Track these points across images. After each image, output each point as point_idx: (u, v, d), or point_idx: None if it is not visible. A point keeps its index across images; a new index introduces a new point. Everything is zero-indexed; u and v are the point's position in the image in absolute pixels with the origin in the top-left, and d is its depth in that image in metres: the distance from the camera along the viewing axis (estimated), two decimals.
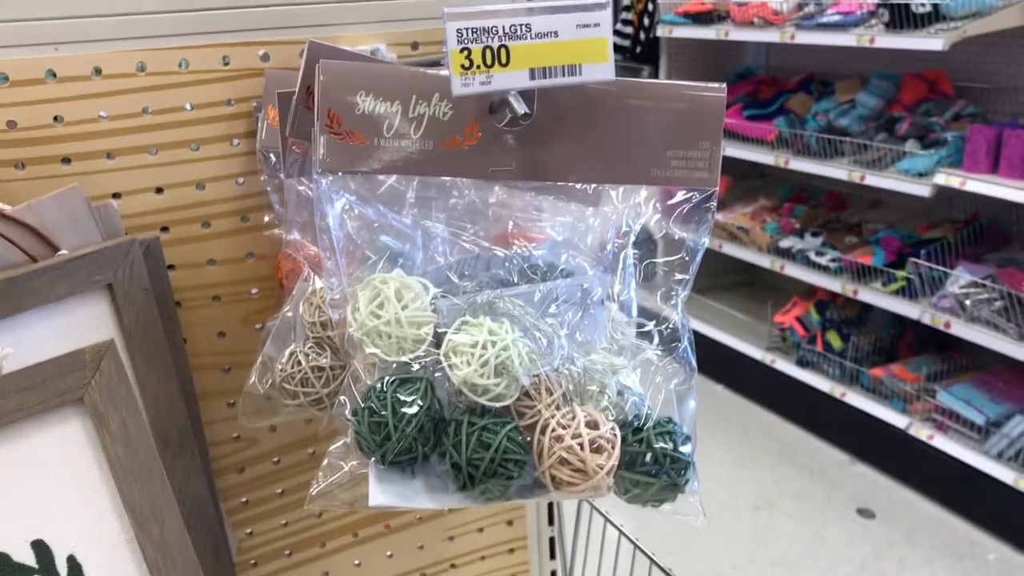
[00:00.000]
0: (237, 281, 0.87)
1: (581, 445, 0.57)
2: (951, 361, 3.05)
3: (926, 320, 2.82)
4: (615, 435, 0.58)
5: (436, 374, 0.58)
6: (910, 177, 2.85)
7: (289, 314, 0.71)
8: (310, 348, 0.69)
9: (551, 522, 1.07)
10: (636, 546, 0.95)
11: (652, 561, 0.93)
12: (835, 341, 3.23)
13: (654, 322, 0.63)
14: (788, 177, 3.72)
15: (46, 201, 0.71)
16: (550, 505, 1.07)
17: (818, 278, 3.20)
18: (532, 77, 0.57)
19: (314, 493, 0.58)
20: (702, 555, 2.72)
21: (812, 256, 3.22)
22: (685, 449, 0.60)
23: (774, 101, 3.51)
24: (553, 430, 0.57)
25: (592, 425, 0.58)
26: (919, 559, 2.70)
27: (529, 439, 0.59)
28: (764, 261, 3.42)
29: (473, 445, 0.56)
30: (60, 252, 0.71)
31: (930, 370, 2.99)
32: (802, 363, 3.33)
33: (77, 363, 0.57)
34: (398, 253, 0.62)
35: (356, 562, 0.99)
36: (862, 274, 3.05)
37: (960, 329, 2.73)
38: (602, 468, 0.57)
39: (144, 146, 0.81)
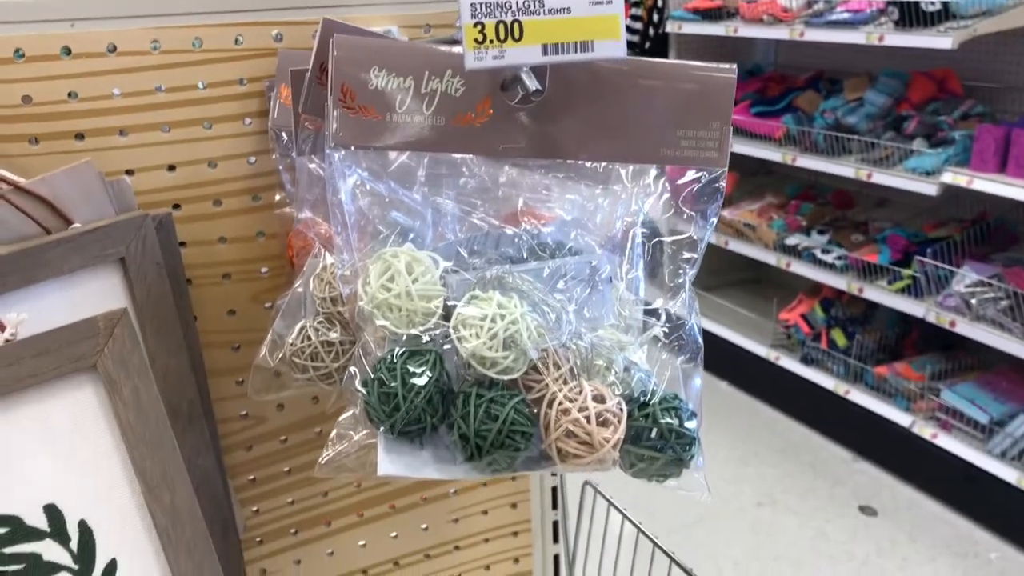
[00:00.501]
0: (247, 260, 0.87)
1: (588, 418, 0.57)
2: (956, 360, 3.05)
3: (931, 319, 2.82)
4: (621, 409, 0.59)
5: (445, 347, 0.59)
6: (917, 175, 2.85)
7: (300, 289, 0.71)
8: (320, 323, 0.69)
9: (555, 506, 1.08)
10: (639, 529, 0.95)
11: (655, 544, 0.93)
12: (840, 339, 3.23)
13: (661, 300, 0.64)
14: (795, 174, 3.72)
15: (60, 175, 0.72)
16: (554, 489, 1.07)
17: (824, 276, 3.20)
18: (545, 52, 0.58)
19: (323, 462, 0.59)
20: (704, 550, 2.72)
21: (818, 254, 3.22)
22: (691, 425, 0.60)
23: (782, 98, 3.50)
24: (560, 403, 0.58)
25: (599, 399, 0.58)
26: (921, 557, 2.70)
27: (536, 412, 0.59)
28: (770, 258, 3.42)
29: (481, 416, 0.57)
30: (73, 225, 0.72)
31: (934, 369, 2.99)
32: (807, 360, 3.33)
33: (91, 330, 0.58)
34: (408, 229, 0.63)
35: (361, 542, 1.00)
36: (868, 272, 3.05)
37: (965, 328, 2.73)
38: (608, 441, 0.57)
39: (157, 124, 0.81)
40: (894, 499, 2.98)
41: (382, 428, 0.58)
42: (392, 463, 0.58)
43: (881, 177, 2.96)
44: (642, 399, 0.61)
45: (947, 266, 2.81)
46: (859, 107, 3.19)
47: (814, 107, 3.34)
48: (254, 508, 0.94)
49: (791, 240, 3.34)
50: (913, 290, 2.92)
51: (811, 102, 3.39)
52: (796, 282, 3.52)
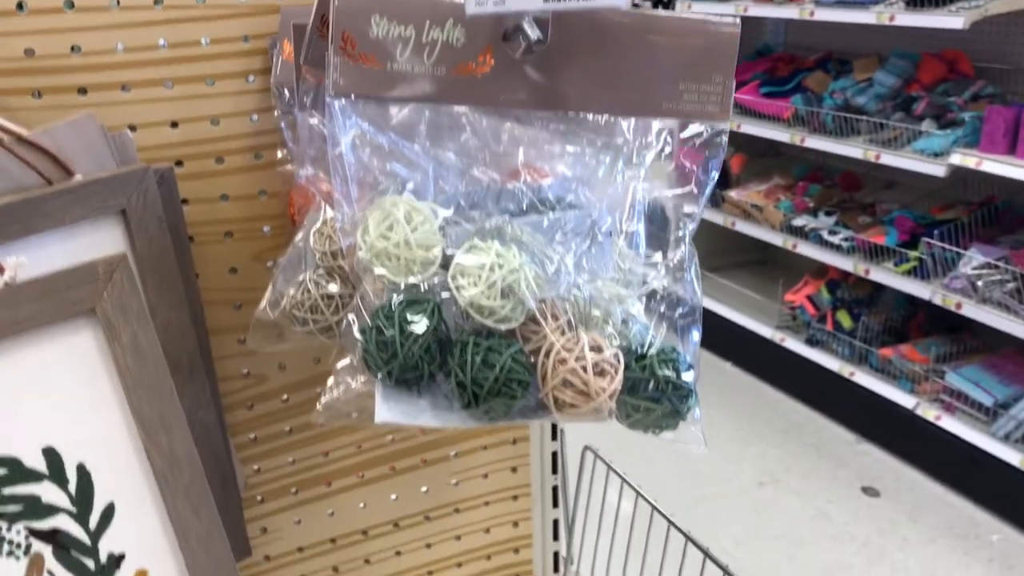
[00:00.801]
0: (249, 218, 0.87)
1: (584, 368, 0.57)
2: (961, 343, 3.05)
3: (937, 301, 2.81)
4: (618, 360, 0.59)
5: (443, 296, 0.59)
6: (926, 157, 2.84)
7: (300, 243, 0.72)
8: (320, 276, 0.70)
9: (555, 471, 1.08)
10: (638, 493, 0.95)
11: (654, 508, 0.94)
12: (845, 320, 3.22)
13: (660, 254, 0.64)
14: (803, 156, 3.70)
15: (62, 127, 0.72)
16: (554, 454, 1.08)
17: (830, 257, 3.19)
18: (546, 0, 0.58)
19: (320, 407, 0.59)
20: (705, 528, 2.73)
21: (825, 235, 3.21)
22: (688, 377, 0.60)
23: (791, 79, 3.48)
24: (557, 353, 0.58)
25: (596, 349, 0.58)
26: (922, 538, 2.71)
27: (534, 362, 0.59)
28: (776, 239, 3.42)
29: (478, 364, 0.57)
30: (75, 177, 0.72)
31: (940, 351, 2.98)
32: (811, 342, 3.33)
33: (90, 275, 0.58)
34: (409, 181, 0.63)
35: (361, 503, 1.00)
36: (874, 254, 3.05)
37: (971, 310, 2.72)
38: (604, 391, 0.57)
39: (160, 79, 0.81)
40: (897, 481, 2.98)
41: (380, 375, 0.58)
42: (389, 410, 0.58)
43: (889, 158, 2.94)
44: (640, 351, 0.61)
45: (954, 248, 2.80)
46: (868, 88, 3.17)
47: (823, 88, 3.32)
48: (255, 467, 0.94)
49: (798, 221, 3.33)
50: (919, 272, 2.91)
51: (820, 83, 3.37)
52: (802, 264, 3.51)
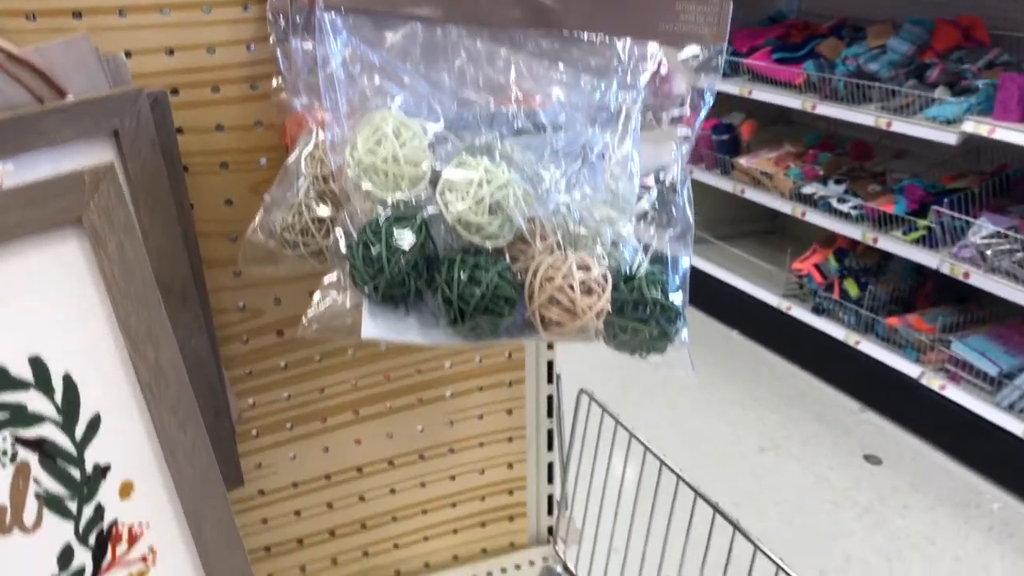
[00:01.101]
0: (245, 149, 0.87)
1: (571, 286, 0.57)
2: (968, 313, 3.03)
3: (945, 270, 2.80)
4: (606, 279, 0.59)
5: (431, 211, 0.59)
6: (938, 124, 2.81)
7: (292, 166, 0.71)
8: (311, 199, 0.69)
9: (550, 414, 1.08)
10: (631, 435, 0.96)
11: (647, 449, 0.94)
12: (852, 289, 3.21)
13: (653, 177, 0.63)
14: (814, 124, 3.67)
15: (55, 46, 0.72)
16: (549, 397, 1.08)
17: (839, 225, 3.17)
18: None
19: (306, 321, 0.59)
20: (705, 490, 2.74)
21: (834, 203, 3.19)
22: (676, 298, 0.60)
23: (804, 45, 3.44)
24: (545, 271, 0.58)
25: (584, 268, 0.58)
26: (922, 505, 2.71)
27: (521, 280, 0.59)
28: (785, 207, 3.39)
29: (464, 281, 0.57)
30: (67, 97, 0.72)
31: (946, 321, 2.97)
32: (818, 310, 3.32)
33: (76, 183, 0.58)
34: (399, 96, 0.62)
35: (356, 439, 1.00)
36: (883, 222, 3.02)
37: (979, 280, 2.71)
38: (591, 309, 0.57)
39: (157, 5, 0.81)
40: (899, 449, 2.98)
41: (366, 290, 0.58)
42: (376, 327, 0.58)
43: (901, 126, 2.91)
44: (629, 272, 0.60)
45: (964, 217, 2.78)
46: (881, 54, 3.13)
47: (836, 54, 3.28)
48: (250, 401, 0.95)
49: (807, 189, 3.31)
50: (928, 241, 2.89)
51: (833, 49, 3.33)
52: (811, 233, 3.49)
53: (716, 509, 0.83)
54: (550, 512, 1.13)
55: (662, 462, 0.92)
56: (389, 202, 0.58)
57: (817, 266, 3.36)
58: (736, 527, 0.81)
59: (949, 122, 2.78)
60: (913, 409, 3.03)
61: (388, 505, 1.04)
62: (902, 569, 2.47)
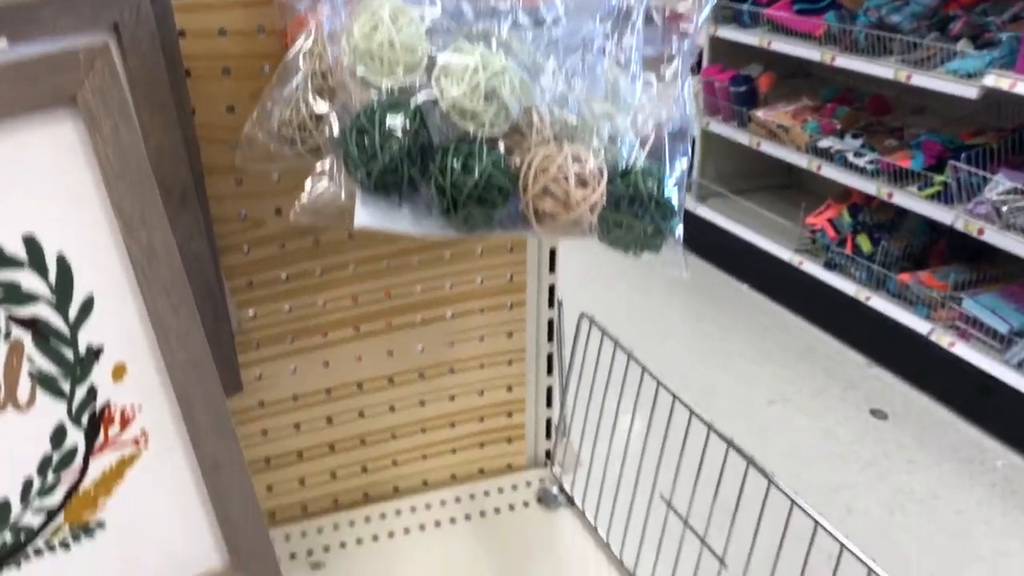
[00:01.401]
0: (248, 55, 0.86)
1: (566, 177, 0.57)
2: (980, 271, 3.01)
3: (959, 226, 2.77)
4: (601, 173, 0.58)
5: (424, 96, 0.58)
6: (958, 78, 2.76)
7: (291, 62, 0.71)
8: (310, 94, 0.69)
9: (550, 338, 1.08)
10: (630, 356, 0.96)
11: (644, 370, 0.94)
12: (865, 244, 3.19)
13: (654, 73, 0.62)
14: (833, 78, 3.62)
15: None
16: (550, 322, 1.08)
17: (854, 180, 3.14)
18: None
19: (298, 207, 0.59)
20: (711, 444, 2.75)
21: (850, 157, 3.16)
22: (672, 195, 0.60)
23: None
24: (540, 162, 0.58)
25: (579, 160, 0.58)
26: (928, 461, 2.71)
27: (516, 172, 0.59)
28: (801, 161, 3.36)
29: (458, 169, 0.57)
30: None
31: (958, 278, 2.95)
32: (830, 266, 3.30)
33: (71, 62, 0.58)
34: None
35: (357, 355, 1.01)
36: (899, 177, 2.99)
37: (993, 236, 2.68)
38: (585, 201, 0.57)
39: None
40: (906, 405, 2.98)
41: (359, 176, 0.58)
42: (369, 215, 0.58)
43: (921, 79, 2.87)
44: (625, 167, 0.60)
45: (981, 172, 2.75)
46: (904, 6, 3.07)
47: (858, 5, 3.23)
48: (251, 312, 0.95)
49: (824, 143, 3.28)
50: (944, 197, 2.86)
51: (855, 0, 3.27)
52: (827, 189, 3.46)
53: (711, 429, 0.83)
54: (548, 436, 1.13)
55: (659, 383, 0.93)
56: (384, 87, 0.58)
57: (831, 221, 3.34)
58: (751, 461, 0.81)
59: (970, 76, 2.73)
60: (921, 366, 3.02)
61: (387, 422, 1.05)
62: (904, 522, 2.48)
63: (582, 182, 0.57)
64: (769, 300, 3.61)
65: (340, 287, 0.98)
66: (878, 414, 2.93)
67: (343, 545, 1.01)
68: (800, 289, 3.43)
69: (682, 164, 0.63)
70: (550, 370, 1.10)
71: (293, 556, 0.99)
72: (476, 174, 0.56)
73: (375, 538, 1.02)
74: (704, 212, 3.77)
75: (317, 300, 0.98)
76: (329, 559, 0.99)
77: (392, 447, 1.06)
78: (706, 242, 3.69)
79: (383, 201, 0.59)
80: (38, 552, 0.64)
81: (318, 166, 0.60)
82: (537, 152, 0.58)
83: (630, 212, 0.59)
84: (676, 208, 0.60)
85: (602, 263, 3.29)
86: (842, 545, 0.70)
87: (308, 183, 0.59)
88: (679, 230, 0.60)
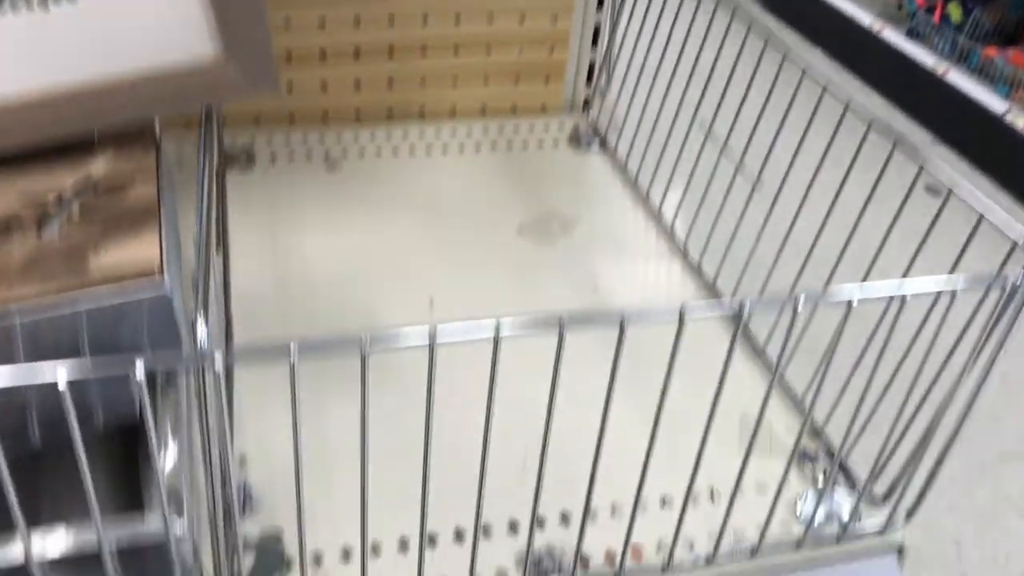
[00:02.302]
0: None
1: None
2: None
3: None
4: None
5: None
6: None
7: None
8: None
9: None
10: None
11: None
12: (955, 13, 2.95)
13: None
14: None
15: None
16: None
17: None
18: None
19: None
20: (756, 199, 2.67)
21: None
22: None
23: None
24: None
25: None
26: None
27: None
28: None
29: None
30: None
31: None
32: (912, 34, 3.07)
33: None
34: None
35: None
36: None
37: None
38: None
39: None
40: (963, 185, 2.86)
41: None
42: None
43: None
44: None
45: None
46: None
47: None
48: None
49: None
50: None
51: None
52: None
53: None
54: (589, 81, 1.06)
55: None
56: None
57: None
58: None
59: None
60: (988, 147, 2.87)
61: (418, 35, 0.98)
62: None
63: None
64: (839, 66, 3.40)
65: None
66: (933, 191, 2.82)
67: (362, 154, 0.97)
68: (875, 58, 3.22)
69: None
70: (600, 4, 1.01)
71: (309, 157, 0.95)
72: None
73: (395, 152, 0.98)
74: None
75: None
76: (346, 164, 0.95)
77: (421, 66, 1.00)
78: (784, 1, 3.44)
79: None
80: (14, 6, 0.58)
81: None
82: None
83: None
84: None
85: None
86: None
87: None
88: None
